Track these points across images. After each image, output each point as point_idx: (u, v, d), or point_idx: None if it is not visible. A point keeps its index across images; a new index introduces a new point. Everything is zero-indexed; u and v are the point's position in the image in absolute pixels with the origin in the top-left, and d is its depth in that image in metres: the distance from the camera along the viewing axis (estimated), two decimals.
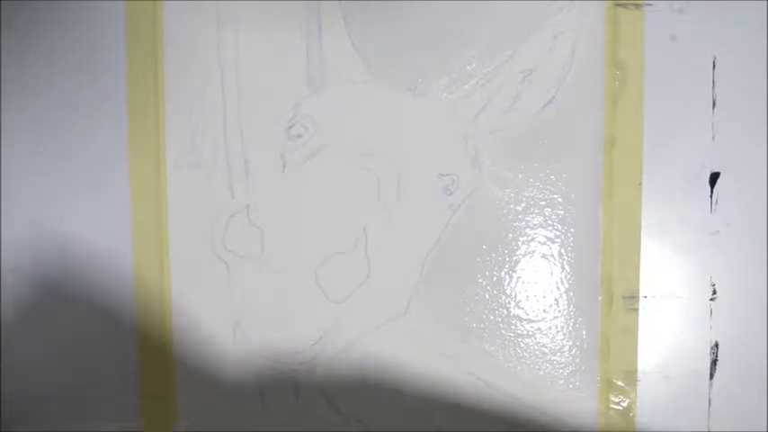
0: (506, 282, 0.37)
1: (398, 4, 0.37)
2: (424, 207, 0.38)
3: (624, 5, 0.36)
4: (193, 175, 0.38)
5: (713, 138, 0.37)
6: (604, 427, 0.37)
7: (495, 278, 0.37)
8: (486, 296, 0.38)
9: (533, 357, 0.37)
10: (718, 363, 0.37)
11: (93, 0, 0.38)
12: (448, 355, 0.38)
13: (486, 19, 0.37)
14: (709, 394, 0.37)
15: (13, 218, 0.39)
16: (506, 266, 0.37)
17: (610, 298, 0.37)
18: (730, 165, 0.37)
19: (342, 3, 0.37)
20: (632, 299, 0.37)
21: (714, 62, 0.36)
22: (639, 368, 0.37)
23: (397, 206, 0.38)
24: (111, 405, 0.39)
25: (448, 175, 0.37)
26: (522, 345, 0.37)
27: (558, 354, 0.37)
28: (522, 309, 0.38)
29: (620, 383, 0.37)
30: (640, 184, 0.37)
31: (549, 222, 0.37)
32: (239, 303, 0.38)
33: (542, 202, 0.37)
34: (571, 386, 0.37)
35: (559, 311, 0.37)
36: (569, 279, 0.37)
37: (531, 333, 0.37)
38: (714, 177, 0.37)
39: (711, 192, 0.37)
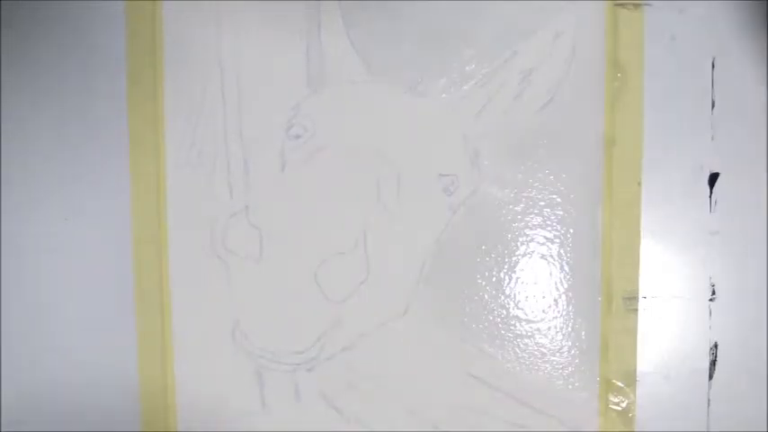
0: (506, 282, 0.38)
1: (398, 4, 0.37)
2: (424, 207, 0.38)
3: (624, 5, 0.36)
4: (193, 175, 0.38)
5: (713, 138, 0.37)
6: (604, 427, 0.37)
7: (494, 278, 0.37)
8: (486, 296, 0.38)
9: (533, 357, 0.37)
10: (717, 363, 0.37)
11: (94, 0, 0.38)
12: (447, 355, 0.38)
13: (486, 19, 0.37)
14: (709, 394, 0.37)
15: (12, 218, 0.39)
16: (506, 267, 0.37)
17: (609, 298, 0.37)
18: (730, 165, 0.37)
19: (342, 3, 0.37)
20: (632, 299, 0.37)
21: (714, 62, 0.36)
22: (639, 368, 0.37)
23: (397, 206, 0.38)
24: (110, 405, 0.39)
25: (448, 175, 0.37)
26: (522, 345, 0.38)
27: (558, 354, 0.37)
28: (522, 309, 0.38)
29: (619, 383, 0.37)
30: (640, 184, 0.37)
31: (549, 223, 0.37)
32: (239, 303, 0.38)
33: (542, 203, 0.37)
34: (571, 386, 0.37)
35: (559, 312, 0.37)
36: (569, 279, 0.37)
37: (530, 333, 0.38)
38: (714, 177, 0.37)
39: (711, 192, 0.37)
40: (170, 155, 0.38)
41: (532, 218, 0.37)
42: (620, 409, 0.37)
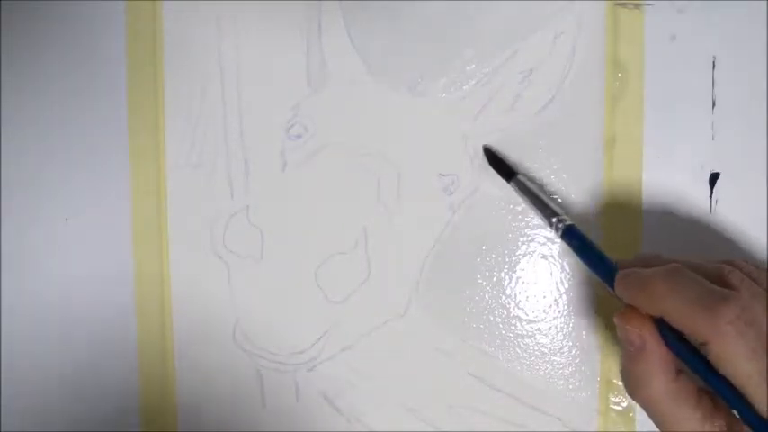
0: (506, 282, 0.38)
1: (398, 4, 0.37)
2: (424, 207, 0.38)
3: (624, 5, 0.36)
4: (193, 175, 0.38)
5: (713, 138, 0.37)
6: (604, 427, 0.37)
7: (494, 278, 0.37)
8: (486, 296, 0.38)
9: (533, 357, 0.37)
10: None
11: (94, 0, 0.38)
12: (448, 355, 0.38)
13: (486, 19, 0.37)
14: None
15: (12, 218, 0.39)
16: (506, 267, 0.37)
17: (610, 298, 0.37)
18: (730, 165, 0.37)
19: (342, 3, 0.37)
20: None
21: (714, 62, 0.36)
22: None
23: (397, 206, 0.38)
24: (110, 405, 0.39)
25: (448, 175, 0.37)
26: (522, 345, 0.38)
27: (558, 354, 0.37)
28: (522, 309, 0.38)
29: (620, 383, 0.37)
30: (640, 183, 0.37)
31: None
32: (239, 303, 0.38)
33: None
34: (571, 386, 0.37)
35: (559, 312, 0.37)
36: (569, 279, 0.37)
37: (530, 333, 0.38)
38: (714, 177, 0.37)
39: (711, 192, 0.37)
40: (170, 155, 0.38)
41: (533, 218, 0.37)
42: (620, 409, 0.37)
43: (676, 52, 0.36)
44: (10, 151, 0.39)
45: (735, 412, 0.26)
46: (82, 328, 0.39)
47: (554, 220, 0.33)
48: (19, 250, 0.39)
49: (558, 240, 0.37)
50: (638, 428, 0.37)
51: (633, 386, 0.29)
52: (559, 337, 0.37)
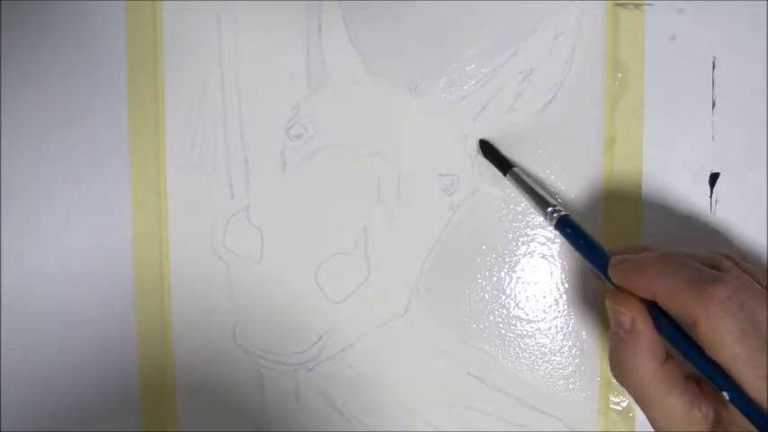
0: (506, 282, 0.38)
1: (398, 4, 0.37)
2: (424, 207, 0.38)
3: (624, 5, 0.36)
4: (193, 175, 0.38)
5: (713, 138, 0.37)
6: (604, 427, 0.37)
7: (495, 278, 0.37)
8: (486, 296, 0.38)
9: (533, 357, 0.37)
10: None
11: (94, 0, 0.38)
12: (448, 355, 0.38)
13: (486, 19, 0.37)
14: None
15: (12, 218, 0.39)
16: (506, 267, 0.37)
17: None
18: (730, 165, 0.37)
19: (342, 3, 0.37)
20: None
21: (714, 62, 0.36)
22: None
23: (397, 206, 0.38)
24: (110, 405, 0.39)
25: (448, 175, 0.37)
26: (522, 345, 0.38)
27: (558, 354, 0.37)
28: (522, 309, 0.38)
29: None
30: (640, 184, 0.37)
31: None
32: (239, 303, 0.38)
33: None
34: (571, 386, 0.37)
35: (559, 312, 0.37)
36: (569, 279, 0.37)
37: (530, 333, 0.38)
38: (714, 177, 0.37)
39: (711, 192, 0.37)
40: (170, 155, 0.38)
41: (533, 218, 0.37)
42: (620, 408, 0.37)
43: (676, 52, 0.36)
44: (10, 151, 0.39)
45: (724, 394, 0.26)
46: (82, 327, 0.39)
47: (549, 210, 0.33)
48: (19, 250, 0.39)
49: (559, 240, 0.37)
50: (637, 428, 0.37)
51: (620, 369, 0.29)
52: (559, 337, 0.37)
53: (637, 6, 0.36)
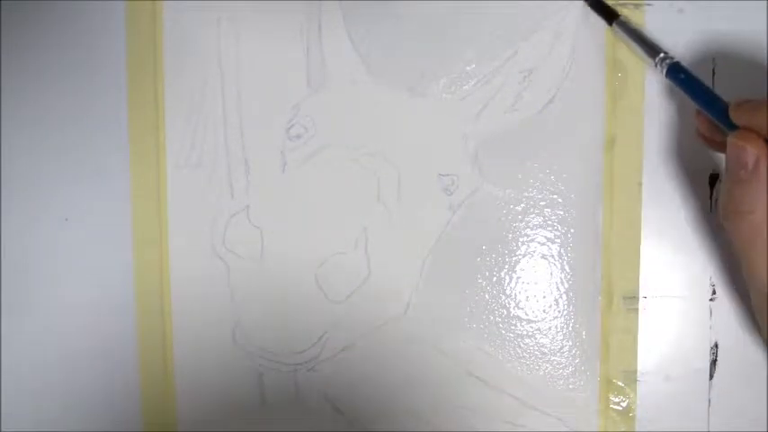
0: (506, 282, 0.38)
1: (398, 4, 0.37)
2: (424, 207, 0.38)
3: (624, 5, 0.36)
4: (193, 175, 0.38)
5: None
6: (604, 427, 0.37)
7: (495, 278, 0.37)
8: (486, 296, 0.38)
9: (533, 357, 0.37)
10: (717, 363, 0.37)
11: (94, 0, 0.38)
12: (448, 355, 0.38)
13: (486, 19, 0.37)
14: (709, 394, 0.37)
15: (12, 218, 0.39)
16: (506, 267, 0.37)
17: (610, 298, 0.37)
18: None
19: (342, 3, 0.37)
20: (632, 299, 0.37)
21: (714, 62, 0.36)
22: (639, 368, 0.37)
23: (397, 206, 0.38)
24: (110, 405, 0.39)
25: (448, 175, 0.37)
26: (522, 345, 0.38)
27: (558, 354, 0.37)
28: (522, 309, 0.38)
29: (620, 383, 0.37)
30: (640, 184, 0.37)
31: (549, 223, 0.37)
32: (239, 303, 0.38)
33: (542, 203, 0.37)
34: (571, 386, 0.37)
35: (559, 312, 0.37)
36: (569, 279, 0.37)
37: (531, 333, 0.38)
38: (714, 177, 0.37)
39: (711, 192, 0.37)
40: (170, 155, 0.38)
41: (533, 218, 0.37)
42: (620, 408, 0.37)
43: (676, 52, 0.36)
44: (10, 151, 0.39)
45: None
46: (82, 327, 0.39)
47: (659, 57, 0.33)
48: (19, 250, 0.39)
49: (559, 240, 0.37)
50: (638, 428, 0.37)
51: (735, 212, 0.29)
52: (559, 337, 0.37)
53: (637, 6, 0.36)
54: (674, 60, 0.33)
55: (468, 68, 0.37)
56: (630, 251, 0.37)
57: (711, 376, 0.37)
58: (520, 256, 0.37)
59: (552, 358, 0.37)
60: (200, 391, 0.39)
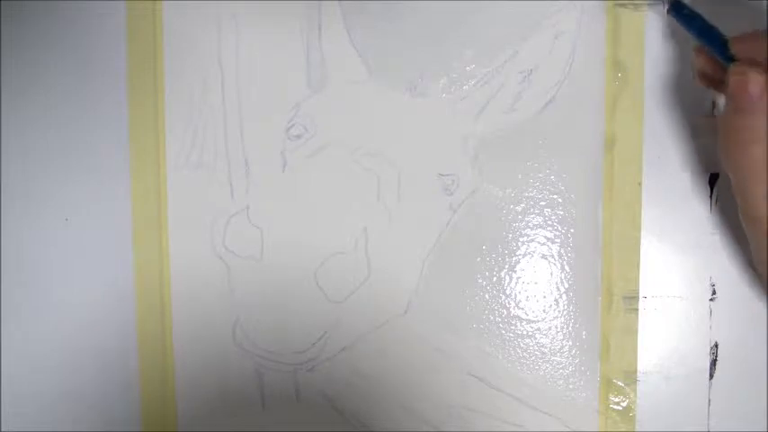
0: (506, 282, 0.38)
1: (398, 4, 0.37)
2: (424, 207, 0.38)
3: (624, 5, 0.36)
4: (193, 175, 0.38)
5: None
6: (604, 427, 0.37)
7: (495, 278, 0.37)
8: (486, 296, 0.38)
9: (533, 357, 0.37)
10: (718, 363, 0.37)
11: (94, 0, 0.38)
12: (448, 355, 0.38)
13: (486, 19, 0.37)
14: (709, 394, 0.37)
15: (12, 218, 0.39)
16: (506, 267, 0.37)
17: (610, 298, 0.37)
18: None
19: (342, 3, 0.37)
20: (632, 299, 0.37)
21: None
22: (639, 368, 0.37)
23: (397, 206, 0.38)
24: (110, 405, 0.39)
25: (448, 175, 0.37)
26: (522, 345, 0.38)
27: (558, 354, 0.37)
28: (522, 309, 0.38)
29: (620, 383, 0.37)
30: (640, 184, 0.37)
31: (549, 223, 0.37)
32: (239, 303, 0.38)
33: (542, 203, 0.37)
34: (571, 386, 0.37)
35: (559, 312, 0.37)
36: (569, 279, 0.37)
37: (531, 333, 0.38)
38: (714, 177, 0.37)
39: (711, 192, 0.37)
40: (170, 155, 0.38)
41: (533, 218, 0.37)
42: (620, 408, 0.37)
43: (676, 52, 0.36)
44: (10, 152, 0.39)
45: None
46: (82, 326, 0.39)
47: None
48: (19, 251, 0.39)
49: (559, 240, 0.37)
50: (638, 428, 0.37)
51: (734, 143, 0.28)
52: (559, 337, 0.37)
53: (637, 6, 0.36)
54: None
55: (467, 68, 0.37)
56: (630, 251, 0.37)
57: (711, 376, 0.37)
58: (520, 256, 0.37)
59: (552, 358, 0.37)
60: (200, 391, 0.39)
